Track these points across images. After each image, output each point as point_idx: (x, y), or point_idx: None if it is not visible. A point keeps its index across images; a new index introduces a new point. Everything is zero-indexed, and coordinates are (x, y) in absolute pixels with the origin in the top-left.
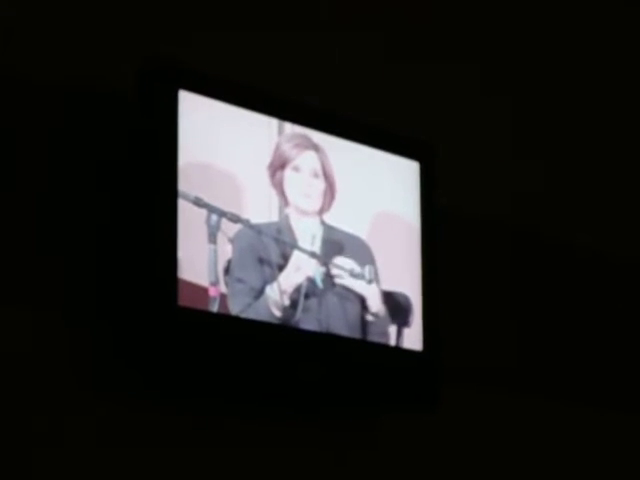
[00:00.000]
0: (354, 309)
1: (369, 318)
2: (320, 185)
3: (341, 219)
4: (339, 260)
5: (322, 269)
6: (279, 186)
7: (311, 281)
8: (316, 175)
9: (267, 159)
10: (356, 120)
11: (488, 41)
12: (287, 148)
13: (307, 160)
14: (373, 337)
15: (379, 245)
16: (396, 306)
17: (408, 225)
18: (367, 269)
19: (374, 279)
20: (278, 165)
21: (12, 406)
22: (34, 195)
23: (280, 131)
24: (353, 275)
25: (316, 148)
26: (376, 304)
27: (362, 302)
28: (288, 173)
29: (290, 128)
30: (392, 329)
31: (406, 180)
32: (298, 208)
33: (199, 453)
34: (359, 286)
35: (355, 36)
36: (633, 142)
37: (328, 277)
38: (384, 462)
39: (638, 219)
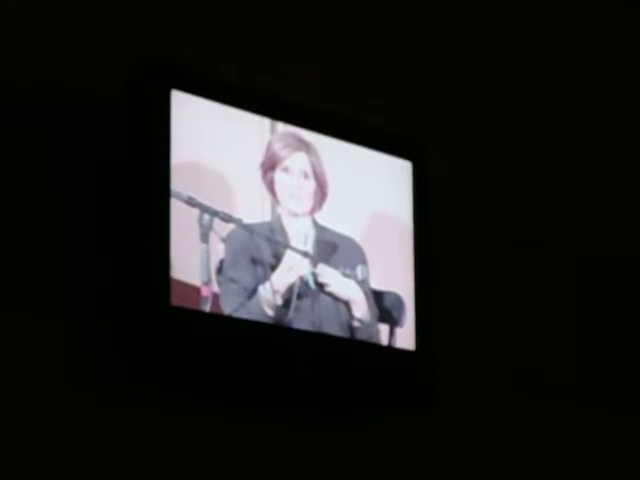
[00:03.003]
0: (344, 311)
1: (355, 324)
2: (310, 186)
3: (333, 219)
4: (329, 263)
5: (313, 271)
6: (270, 186)
7: (303, 281)
8: (306, 176)
9: (259, 158)
10: (349, 120)
11: (484, 42)
12: (278, 148)
13: (297, 162)
14: (363, 338)
15: (371, 245)
16: (388, 306)
17: (401, 225)
18: (359, 269)
19: (366, 279)
20: (269, 165)
21: (5, 406)
22: (24, 196)
23: (273, 130)
24: (345, 275)
25: (307, 148)
26: (361, 310)
27: (348, 307)
28: (278, 174)
29: (282, 127)
30: (384, 329)
31: (399, 180)
32: (289, 210)
33: (191, 452)
34: (345, 292)
35: (347, 35)
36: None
37: (316, 283)
38: (377, 461)
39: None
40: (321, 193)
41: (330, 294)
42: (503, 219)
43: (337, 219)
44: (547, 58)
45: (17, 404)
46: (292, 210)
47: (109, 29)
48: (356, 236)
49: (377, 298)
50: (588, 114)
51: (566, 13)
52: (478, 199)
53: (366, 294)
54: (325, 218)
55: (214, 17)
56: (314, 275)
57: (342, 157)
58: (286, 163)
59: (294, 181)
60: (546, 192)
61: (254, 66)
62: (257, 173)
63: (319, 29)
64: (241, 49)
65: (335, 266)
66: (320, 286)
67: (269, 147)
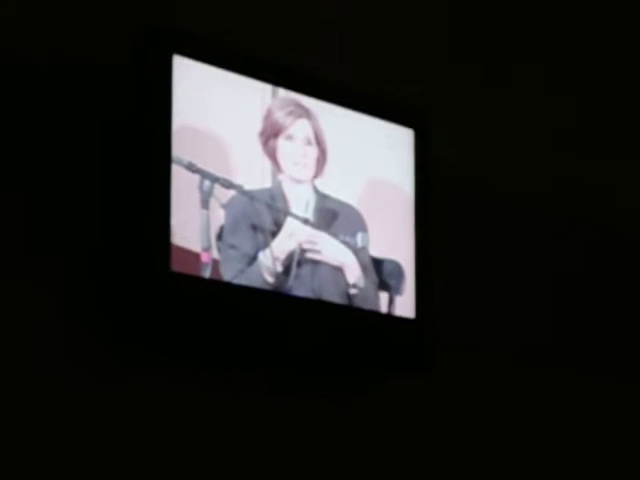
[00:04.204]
0: (342, 278)
1: (351, 291)
2: (313, 153)
3: (334, 186)
4: (329, 230)
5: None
6: (272, 154)
7: (302, 248)
8: (309, 143)
9: (260, 125)
10: (351, 87)
11: (488, 12)
12: (280, 116)
13: (300, 128)
14: (362, 306)
15: (372, 212)
16: (388, 274)
17: (402, 192)
18: (359, 237)
19: (366, 247)
20: (271, 133)
21: (5, 374)
22: (28, 161)
23: (274, 97)
24: (344, 242)
25: (309, 115)
26: (354, 275)
27: (342, 274)
28: (281, 142)
29: (283, 94)
30: (383, 297)
31: (400, 147)
32: (292, 177)
33: (190, 418)
34: (336, 258)
35: (350, 3)
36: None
37: (303, 254)
38: (377, 428)
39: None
40: (322, 159)
41: (320, 262)
42: (505, 189)
43: (338, 186)
44: (548, 28)
45: (16, 373)
46: (295, 177)
47: None
48: (356, 203)
49: (377, 266)
50: (588, 81)
51: None
52: (479, 168)
53: (361, 260)
54: (326, 185)
55: None
56: (300, 249)
57: (343, 124)
58: (290, 131)
59: (299, 149)
60: (549, 163)
61: (256, 32)
62: (258, 140)
63: None
64: (244, 14)
65: (335, 233)
66: (306, 252)
67: (270, 115)
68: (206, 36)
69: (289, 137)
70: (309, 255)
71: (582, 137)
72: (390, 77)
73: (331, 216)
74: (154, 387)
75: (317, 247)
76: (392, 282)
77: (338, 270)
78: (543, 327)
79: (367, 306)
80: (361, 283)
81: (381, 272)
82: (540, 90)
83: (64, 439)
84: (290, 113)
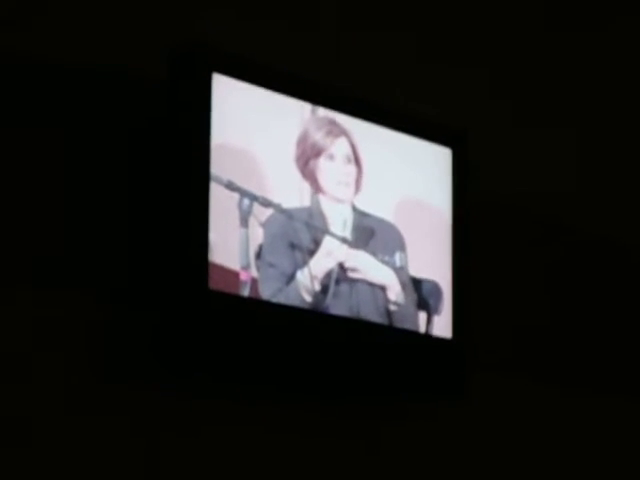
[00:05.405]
0: (381, 296)
1: (392, 307)
2: (353, 171)
3: (372, 204)
4: (367, 248)
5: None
6: (312, 174)
7: (342, 266)
8: (349, 161)
9: (298, 146)
10: (389, 106)
11: (519, 31)
12: (320, 137)
13: (340, 147)
14: (400, 325)
15: (410, 231)
16: (426, 294)
17: (439, 212)
18: (398, 256)
19: (405, 266)
20: (311, 154)
21: (46, 382)
22: (69, 177)
23: (313, 115)
24: (383, 262)
25: (346, 133)
26: (396, 292)
27: (384, 292)
28: (323, 162)
29: (322, 112)
30: (422, 316)
31: (438, 166)
32: (334, 196)
33: (228, 436)
34: (377, 278)
35: (390, 23)
36: None
37: (343, 272)
38: (412, 448)
39: None
40: (360, 177)
41: (358, 280)
42: (541, 207)
43: (376, 205)
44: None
45: (56, 383)
46: (337, 196)
47: (154, 11)
48: (393, 222)
49: (416, 285)
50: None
51: None
52: (517, 188)
53: (402, 280)
54: (364, 203)
55: (256, 1)
56: (340, 268)
57: (382, 143)
58: (331, 150)
59: (341, 168)
60: (584, 181)
61: (295, 50)
62: (297, 160)
63: (358, 16)
64: (283, 33)
65: (373, 252)
66: (347, 271)
67: (307, 136)
68: (246, 54)
69: (330, 157)
70: (348, 274)
71: (614, 154)
72: (428, 95)
73: (369, 234)
74: (191, 405)
75: (356, 265)
76: (430, 302)
77: (378, 288)
78: (582, 348)
79: (406, 325)
80: (401, 300)
81: (420, 291)
82: (578, 109)
83: (96, 454)
84: (329, 133)
